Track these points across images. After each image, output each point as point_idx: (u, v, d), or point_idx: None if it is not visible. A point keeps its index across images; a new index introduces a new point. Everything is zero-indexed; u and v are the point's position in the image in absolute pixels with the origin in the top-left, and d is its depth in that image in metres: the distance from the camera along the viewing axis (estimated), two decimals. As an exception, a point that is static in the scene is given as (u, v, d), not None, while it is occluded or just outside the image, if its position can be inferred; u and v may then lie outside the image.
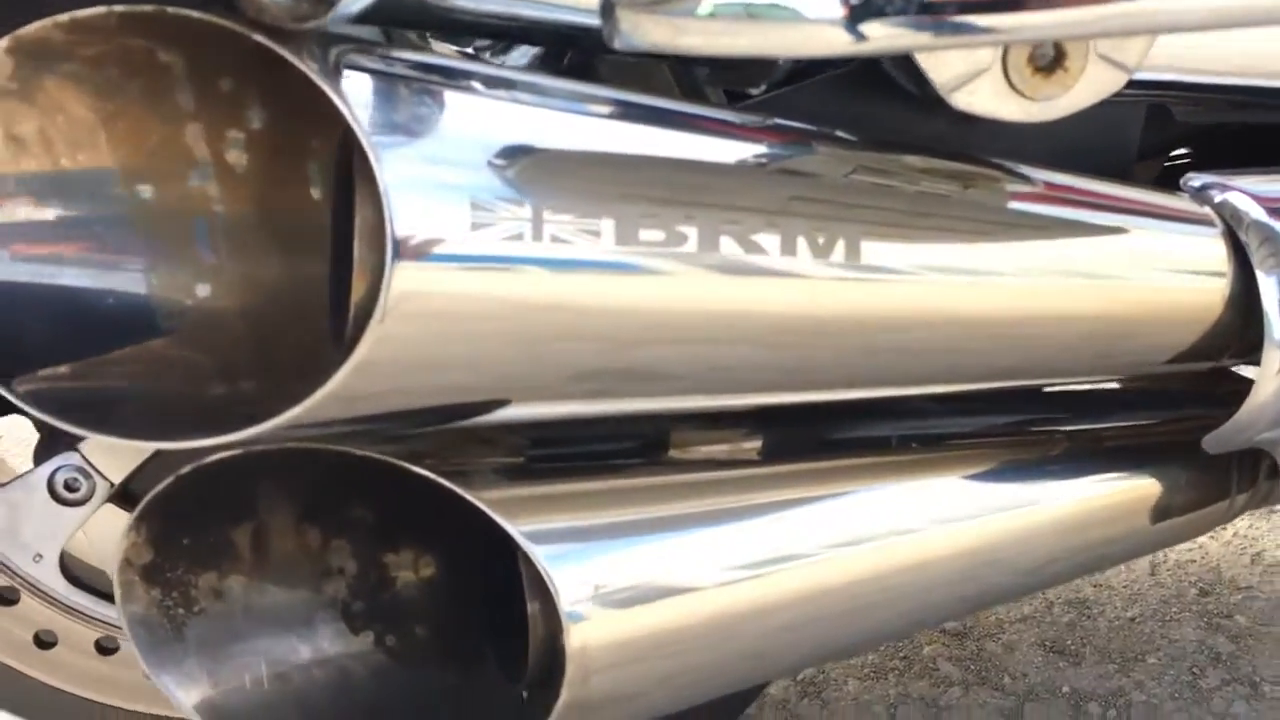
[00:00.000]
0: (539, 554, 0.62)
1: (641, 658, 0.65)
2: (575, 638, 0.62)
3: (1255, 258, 0.68)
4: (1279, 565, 1.57)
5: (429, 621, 0.77)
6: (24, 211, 0.63)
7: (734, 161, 0.60)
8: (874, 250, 0.60)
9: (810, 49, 0.49)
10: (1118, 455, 0.79)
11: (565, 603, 0.62)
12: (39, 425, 0.98)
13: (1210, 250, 0.70)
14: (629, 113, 0.59)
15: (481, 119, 0.56)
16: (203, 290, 0.65)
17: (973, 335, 0.64)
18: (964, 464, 0.76)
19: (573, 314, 0.55)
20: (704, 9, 0.48)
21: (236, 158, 0.65)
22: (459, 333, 0.54)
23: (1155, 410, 0.84)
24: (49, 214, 0.63)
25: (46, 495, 0.92)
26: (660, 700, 0.68)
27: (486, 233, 0.53)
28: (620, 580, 0.65)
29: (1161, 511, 0.79)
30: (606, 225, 0.54)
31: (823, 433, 0.76)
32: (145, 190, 0.64)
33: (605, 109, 0.58)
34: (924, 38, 0.47)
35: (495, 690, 0.75)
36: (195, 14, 0.55)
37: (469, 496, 0.63)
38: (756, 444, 0.74)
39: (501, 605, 0.75)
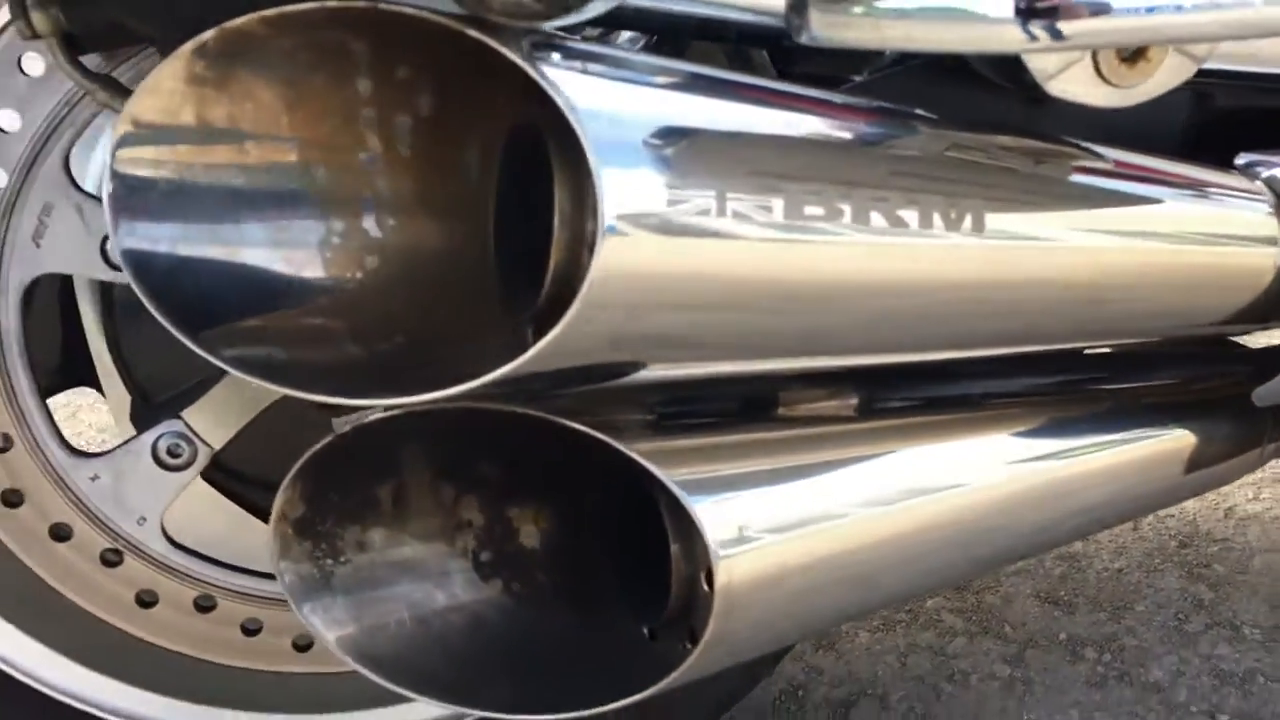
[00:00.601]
0: (689, 499, 0.69)
1: (776, 591, 0.72)
2: (723, 573, 0.69)
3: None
4: (1250, 518, 1.69)
5: (551, 570, 0.83)
6: (213, 189, 0.68)
7: (876, 144, 0.67)
8: (994, 221, 0.67)
9: (987, 45, 0.56)
10: (1165, 409, 0.87)
11: (713, 542, 0.69)
12: (134, 394, 1.03)
13: (1263, 220, 0.79)
14: (789, 101, 0.66)
15: (668, 108, 0.62)
16: (370, 262, 0.71)
17: (1068, 297, 0.72)
18: (1033, 418, 0.84)
19: (749, 281, 0.62)
20: (899, 7, 0.55)
21: (403, 140, 0.70)
22: (651, 299, 0.61)
23: (1197, 368, 0.92)
24: (237, 191, 0.68)
25: (150, 461, 0.97)
26: (787, 630, 0.75)
27: (678, 209, 0.59)
28: (757, 521, 0.71)
29: (1202, 460, 0.88)
30: (777, 203, 0.61)
31: (912, 391, 0.83)
32: (320, 169, 0.69)
33: (769, 97, 0.65)
34: (1091, 38, 0.54)
35: (618, 631, 0.81)
36: (410, 10, 0.60)
37: (625, 449, 0.69)
38: (853, 401, 0.81)
39: (626, 554, 0.81)
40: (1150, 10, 0.55)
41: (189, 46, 0.63)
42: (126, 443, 0.96)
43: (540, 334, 0.59)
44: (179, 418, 0.96)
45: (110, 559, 0.98)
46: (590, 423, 0.70)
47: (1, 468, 0.94)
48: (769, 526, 0.72)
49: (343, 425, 0.75)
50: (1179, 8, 0.56)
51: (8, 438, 0.93)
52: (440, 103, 0.69)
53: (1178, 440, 0.87)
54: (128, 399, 1.04)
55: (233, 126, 0.67)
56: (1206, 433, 0.88)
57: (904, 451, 0.79)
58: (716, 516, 0.70)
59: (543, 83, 0.57)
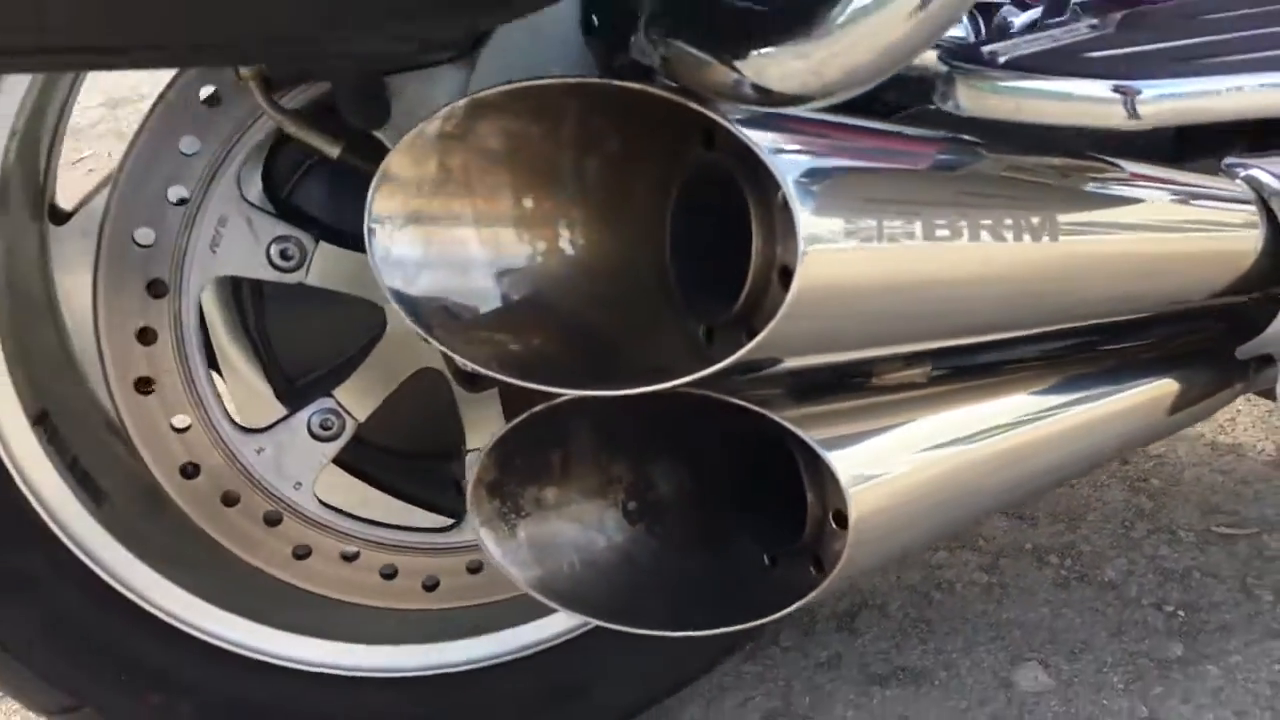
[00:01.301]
0: (827, 454, 0.87)
1: (891, 523, 0.91)
2: (854, 512, 0.87)
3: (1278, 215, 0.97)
4: (1179, 437, 1.93)
5: (683, 513, 1.01)
6: (449, 224, 0.83)
7: (999, 172, 0.85)
8: (1064, 224, 0.85)
9: (1097, 121, 0.74)
10: (1162, 361, 1.08)
11: (847, 488, 0.87)
12: (278, 379, 1.18)
13: (1244, 212, 0.99)
14: (922, 142, 0.83)
15: (834, 149, 0.79)
16: (567, 276, 0.87)
17: (1109, 280, 0.91)
18: (1065, 372, 1.04)
19: (900, 284, 0.80)
20: (1034, 89, 0.72)
21: (594, 175, 0.86)
22: (837, 302, 0.78)
23: (1191, 324, 1.13)
24: (467, 223, 0.84)
25: (306, 434, 1.12)
26: (893, 555, 0.94)
27: (857, 228, 0.77)
28: (877, 467, 0.90)
29: (1188, 401, 1.09)
30: (918, 221, 0.79)
31: (969, 360, 1.02)
32: (530, 201, 0.85)
33: (907, 140, 0.82)
34: (1180, 119, 0.73)
35: (743, 562, 1.00)
36: (636, 86, 0.76)
37: (776, 418, 0.87)
38: (926, 369, 1.00)
39: (747, 497, 1.00)
40: (1231, 90, 0.74)
41: (443, 113, 0.79)
42: (286, 419, 1.11)
43: (751, 335, 0.76)
44: (331, 395, 1.11)
45: (271, 519, 1.13)
46: (745, 397, 0.88)
47: (182, 445, 1.08)
48: (886, 471, 0.91)
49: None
50: (1261, 86, 0.74)
51: (190, 420, 1.08)
52: (624, 144, 0.86)
53: (1170, 386, 1.08)
54: (259, 384, 1.19)
55: (464, 172, 0.83)
56: (1193, 379, 1.09)
57: (973, 404, 0.98)
58: (847, 466, 0.88)
59: (760, 152, 0.74)
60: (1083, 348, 1.05)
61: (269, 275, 1.06)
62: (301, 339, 1.16)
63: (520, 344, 0.85)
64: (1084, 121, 0.76)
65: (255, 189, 1.06)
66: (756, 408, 0.85)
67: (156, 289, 1.03)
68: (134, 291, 1.03)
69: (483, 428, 1.16)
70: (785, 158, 0.75)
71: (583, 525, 0.98)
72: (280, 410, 1.15)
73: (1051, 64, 0.79)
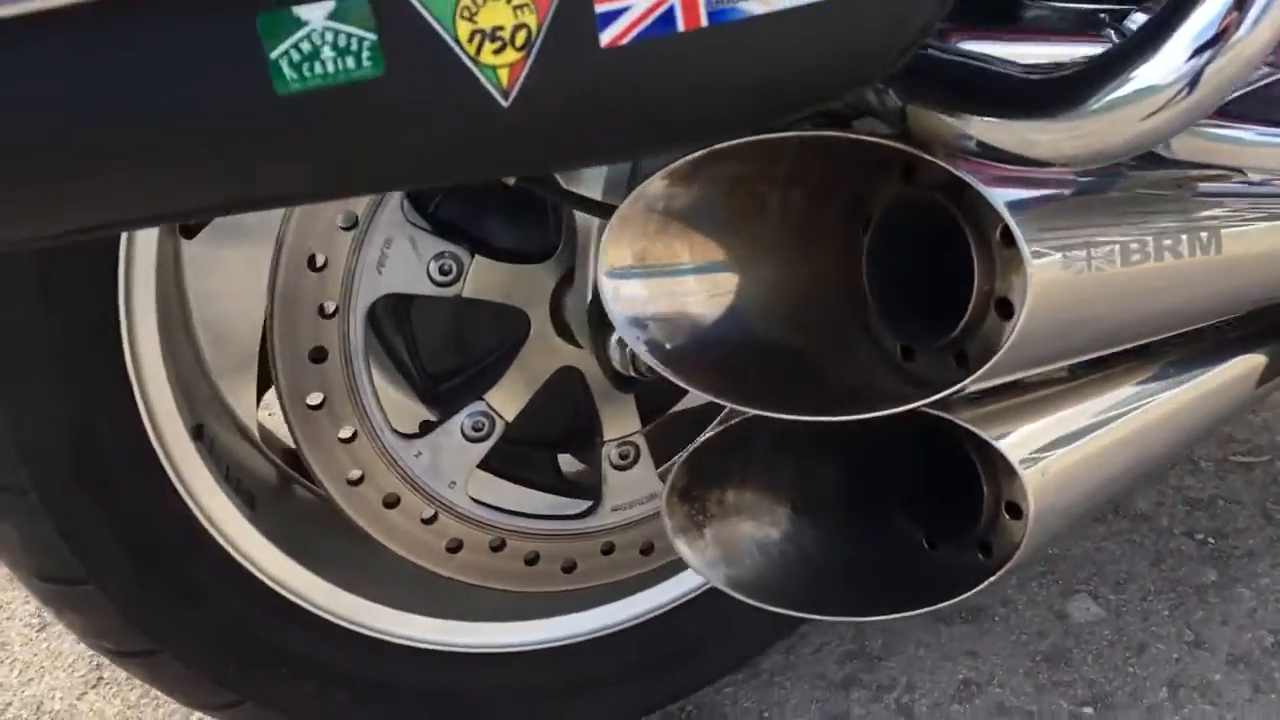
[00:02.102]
0: (1010, 455, 0.94)
1: (1059, 508, 1.00)
2: (1033, 505, 0.96)
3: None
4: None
5: (844, 505, 1.08)
6: (668, 262, 0.89)
7: (1172, 191, 0.92)
8: (1224, 233, 0.93)
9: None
10: (1246, 339, 1.18)
11: (1027, 484, 0.95)
12: (425, 385, 1.22)
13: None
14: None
15: (1052, 179, 0.85)
16: (775, 304, 0.93)
17: (1256, 277, 0.99)
18: (1173, 354, 1.13)
19: (1113, 305, 0.87)
20: (1253, 139, 0.80)
21: (796, 206, 0.92)
22: (1050, 330, 0.85)
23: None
24: (683, 260, 0.89)
25: (460, 436, 1.17)
26: (1059, 533, 1.03)
27: (1071, 260, 0.84)
28: (1051, 463, 0.98)
29: (1274, 372, 1.19)
30: (1115, 243, 0.86)
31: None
32: (738, 241, 0.91)
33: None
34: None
35: (901, 548, 1.08)
36: (855, 136, 0.82)
37: (958, 421, 0.94)
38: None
39: (905, 488, 1.08)
40: None
41: (678, 164, 0.83)
42: (442, 424, 1.16)
43: (959, 356, 0.84)
44: (483, 400, 1.16)
45: (427, 518, 1.18)
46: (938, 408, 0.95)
47: (349, 455, 1.13)
48: (1051, 463, 0.99)
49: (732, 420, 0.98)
50: None
51: (355, 430, 1.12)
52: (825, 177, 0.91)
53: (1259, 360, 1.18)
54: (405, 391, 1.24)
55: (684, 215, 0.88)
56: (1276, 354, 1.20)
57: (1107, 393, 1.06)
58: (1024, 463, 0.96)
59: (984, 192, 0.80)
60: (1186, 334, 1.13)
61: (429, 290, 1.10)
62: (446, 346, 1.21)
63: (735, 369, 0.90)
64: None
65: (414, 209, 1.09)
66: (951, 417, 0.92)
67: (327, 310, 1.07)
68: (307, 313, 1.06)
69: (618, 422, 1.22)
70: (1001, 192, 0.81)
71: (758, 522, 1.04)
72: (425, 414, 1.20)
73: (1256, 110, 0.86)
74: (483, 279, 1.12)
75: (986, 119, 0.77)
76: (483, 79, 0.57)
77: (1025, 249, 0.80)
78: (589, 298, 1.10)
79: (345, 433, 1.12)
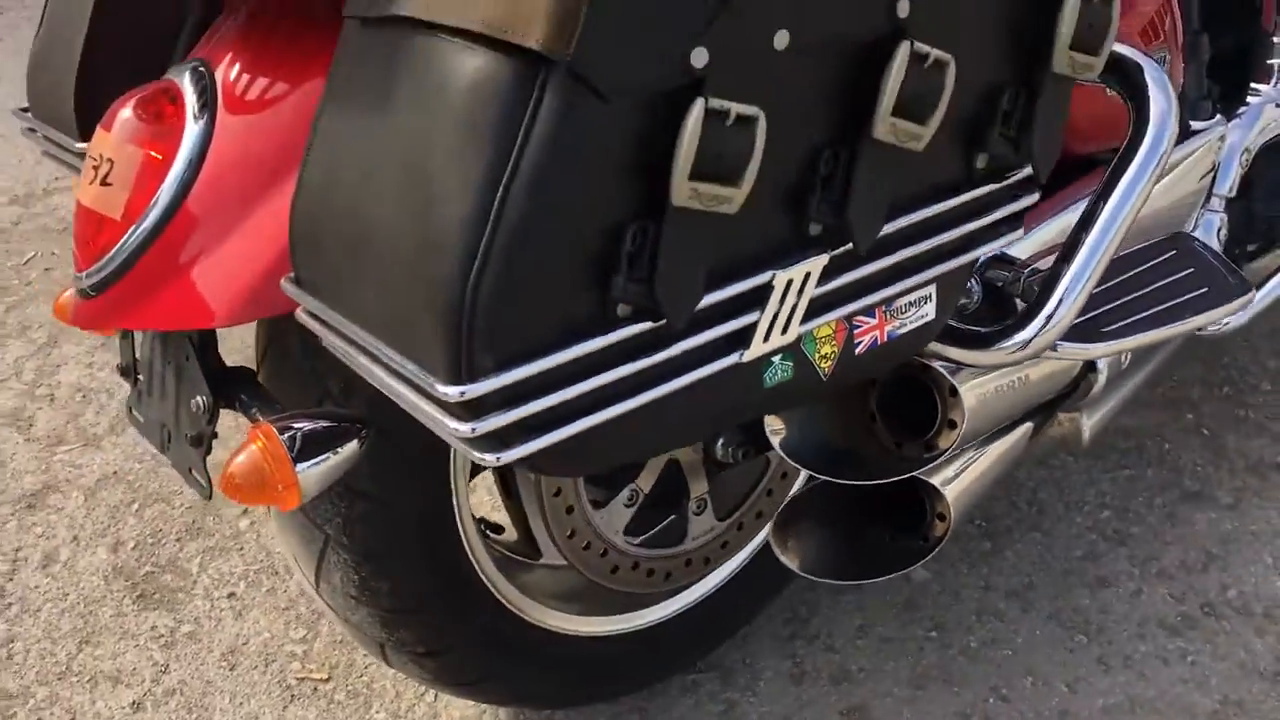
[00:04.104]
0: (937, 484, 1.91)
1: (964, 509, 1.96)
2: (953, 513, 1.92)
3: None
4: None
5: (846, 516, 2.02)
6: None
7: None
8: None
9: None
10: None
11: (951, 504, 1.91)
12: (598, 482, 2.09)
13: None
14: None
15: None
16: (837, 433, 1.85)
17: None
18: None
19: (1000, 413, 1.85)
20: None
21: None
22: (974, 424, 1.82)
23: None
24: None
25: (621, 506, 2.03)
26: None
27: (987, 393, 1.80)
28: (952, 478, 1.95)
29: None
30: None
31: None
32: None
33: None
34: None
35: (876, 541, 2.02)
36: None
37: (922, 477, 1.90)
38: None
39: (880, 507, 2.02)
40: None
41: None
42: (611, 499, 2.03)
43: (928, 448, 1.79)
44: (633, 483, 2.03)
45: (603, 553, 2.04)
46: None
47: (570, 521, 1.98)
48: (960, 486, 1.96)
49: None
50: None
51: (572, 504, 1.98)
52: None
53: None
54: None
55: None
56: None
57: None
58: (945, 488, 1.92)
59: (944, 373, 1.75)
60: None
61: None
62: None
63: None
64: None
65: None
66: (920, 475, 1.87)
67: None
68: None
69: (697, 485, 2.11)
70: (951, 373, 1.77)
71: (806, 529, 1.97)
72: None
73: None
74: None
75: (949, 347, 1.72)
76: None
77: (964, 398, 1.76)
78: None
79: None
